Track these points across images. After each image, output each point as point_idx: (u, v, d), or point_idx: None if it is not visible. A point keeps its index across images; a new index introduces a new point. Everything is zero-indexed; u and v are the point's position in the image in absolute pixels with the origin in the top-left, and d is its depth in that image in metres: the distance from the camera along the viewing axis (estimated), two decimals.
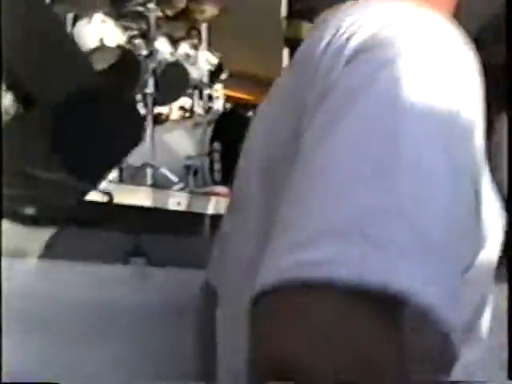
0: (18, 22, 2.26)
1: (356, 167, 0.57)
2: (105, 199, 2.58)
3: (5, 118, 2.14)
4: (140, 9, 3.53)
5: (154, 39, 3.51)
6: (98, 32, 3.43)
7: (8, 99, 2.26)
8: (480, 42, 0.72)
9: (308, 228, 0.54)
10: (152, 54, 3.48)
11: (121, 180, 3.17)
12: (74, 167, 2.31)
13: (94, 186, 2.47)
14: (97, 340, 1.63)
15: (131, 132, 2.97)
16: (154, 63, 3.46)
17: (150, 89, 3.44)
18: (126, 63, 3.42)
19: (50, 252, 1.80)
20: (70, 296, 1.78)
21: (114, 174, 3.13)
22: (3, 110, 2.17)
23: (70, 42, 2.96)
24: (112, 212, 2.46)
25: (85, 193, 2.26)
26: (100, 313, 1.78)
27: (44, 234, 1.86)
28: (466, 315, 0.69)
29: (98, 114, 2.63)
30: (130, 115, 3.03)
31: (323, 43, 0.66)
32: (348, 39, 0.64)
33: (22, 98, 2.28)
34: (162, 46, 3.58)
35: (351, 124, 0.59)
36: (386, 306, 0.51)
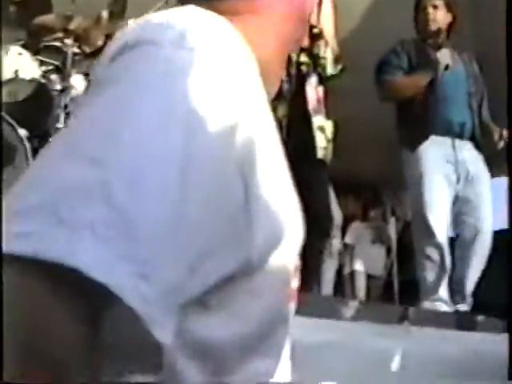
0: None
1: (77, 150, 0.59)
2: None
3: None
4: (57, 44, 3.58)
5: (70, 75, 3.55)
6: (14, 64, 3.50)
7: None
8: None
9: (13, 204, 0.57)
10: (66, 89, 3.51)
11: None
12: None
13: None
14: None
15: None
16: (67, 99, 3.49)
17: (61, 124, 3.45)
18: (39, 97, 3.48)
19: None
20: None
21: None
22: None
23: None
24: None
25: None
26: None
27: None
28: (247, 328, 0.68)
29: None
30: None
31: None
32: (113, 44, 0.69)
33: None
34: (78, 82, 3.60)
35: (92, 108, 0.63)
36: (69, 282, 0.52)
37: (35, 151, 3.39)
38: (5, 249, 0.53)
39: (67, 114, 3.47)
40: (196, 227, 0.60)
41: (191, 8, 0.74)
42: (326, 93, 3.19)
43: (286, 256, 0.71)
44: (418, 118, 3.55)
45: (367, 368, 2.11)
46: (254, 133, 0.66)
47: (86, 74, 3.65)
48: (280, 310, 0.75)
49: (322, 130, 3.13)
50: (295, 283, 0.79)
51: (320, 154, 3.12)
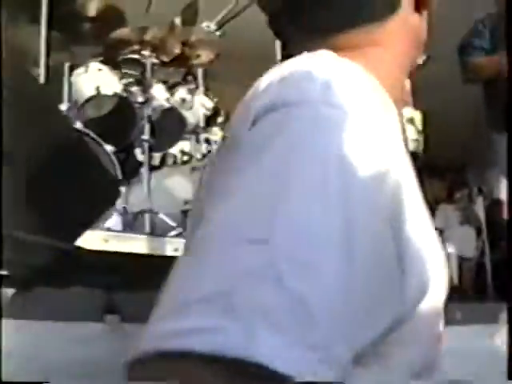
0: None
1: (239, 232, 0.57)
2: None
3: None
4: (135, 56, 3.60)
5: (150, 86, 3.57)
6: (95, 80, 3.53)
7: None
8: None
9: (179, 296, 0.55)
10: (148, 100, 3.53)
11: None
12: (50, 227, 2.43)
13: (70, 244, 2.62)
14: None
15: (106, 192, 3.11)
16: (149, 110, 3.52)
17: (146, 135, 3.48)
18: (122, 111, 3.52)
19: (26, 312, 1.97)
20: (47, 355, 1.93)
21: (113, 221, 3.30)
22: None
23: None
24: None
25: (62, 252, 2.37)
26: (77, 370, 1.91)
27: (19, 295, 2.07)
28: (401, 379, 0.69)
29: (73, 175, 2.79)
30: (105, 176, 3.17)
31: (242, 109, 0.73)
32: (254, 103, 0.69)
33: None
34: (159, 92, 3.63)
35: (246, 180, 0.61)
36: (248, 374, 0.51)
37: (122, 165, 3.43)
38: (179, 345, 0.51)
39: (152, 126, 3.50)
40: (363, 296, 0.59)
41: (325, 58, 0.74)
42: (413, 83, 3.12)
43: (434, 301, 0.69)
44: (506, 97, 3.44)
45: (481, 374, 2.06)
46: (399, 181, 0.66)
47: (165, 82, 3.69)
48: (430, 355, 0.73)
49: (412, 121, 3.07)
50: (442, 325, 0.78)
51: (411, 146, 3.06)
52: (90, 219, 3.00)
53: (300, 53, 0.77)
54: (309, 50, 0.77)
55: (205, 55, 3.68)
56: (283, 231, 0.56)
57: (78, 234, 2.71)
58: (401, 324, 0.64)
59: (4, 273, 2.05)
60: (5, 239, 2.07)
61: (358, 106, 0.67)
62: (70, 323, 2.10)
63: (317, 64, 0.72)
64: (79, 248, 2.63)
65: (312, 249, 0.56)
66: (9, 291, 2.08)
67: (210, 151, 3.64)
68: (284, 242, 0.56)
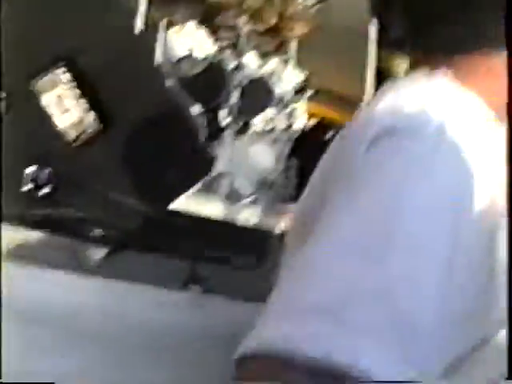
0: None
1: (356, 249, 0.61)
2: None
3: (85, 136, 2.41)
4: (231, 22, 3.57)
5: (243, 53, 3.55)
6: (189, 41, 3.54)
7: (91, 116, 2.49)
8: None
9: (294, 301, 0.59)
10: (239, 67, 3.53)
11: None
12: (143, 191, 2.56)
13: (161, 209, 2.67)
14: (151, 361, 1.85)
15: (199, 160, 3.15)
16: (239, 76, 3.52)
17: (234, 100, 3.50)
18: (212, 74, 3.52)
19: (114, 272, 2.09)
20: (130, 315, 2.00)
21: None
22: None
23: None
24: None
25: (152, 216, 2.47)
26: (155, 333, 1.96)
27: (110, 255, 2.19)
28: None
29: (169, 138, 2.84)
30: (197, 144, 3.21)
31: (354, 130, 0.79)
32: (370, 126, 0.72)
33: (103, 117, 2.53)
34: (250, 60, 3.60)
35: (359, 201, 0.66)
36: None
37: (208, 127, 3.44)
38: (292, 349, 0.55)
39: (240, 92, 3.50)
40: (459, 311, 0.63)
41: (444, 85, 0.76)
42: None
43: None
44: None
45: None
46: (497, 220, 0.69)
47: (257, 51, 3.65)
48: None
49: None
50: None
51: None
52: (185, 185, 3.08)
53: (416, 62, 0.79)
54: (425, 64, 0.80)
55: (299, 28, 3.63)
56: (399, 252, 0.60)
57: (170, 199, 2.80)
58: (485, 342, 0.69)
59: (99, 231, 2.19)
60: (98, 199, 2.20)
61: (470, 144, 0.70)
62: (154, 288, 2.13)
63: (434, 94, 0.74)
64: (170, 213, 2.70)
65: (422, 272, 0.60)
66: (101, 251, 2.15)
67: (291, 125, 3.62)
68: (399, 263, 0.60)
